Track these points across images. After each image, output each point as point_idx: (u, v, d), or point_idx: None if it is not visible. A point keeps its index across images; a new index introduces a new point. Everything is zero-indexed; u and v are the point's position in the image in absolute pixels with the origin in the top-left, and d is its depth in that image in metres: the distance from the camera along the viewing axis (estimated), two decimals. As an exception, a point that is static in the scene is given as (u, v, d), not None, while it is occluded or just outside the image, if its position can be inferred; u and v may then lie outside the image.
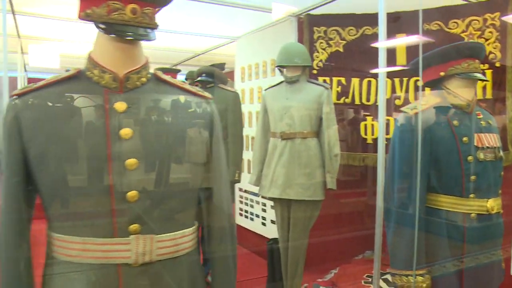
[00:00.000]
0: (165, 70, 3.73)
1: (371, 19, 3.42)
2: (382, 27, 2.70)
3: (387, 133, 3.23)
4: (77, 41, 4.98)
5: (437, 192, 1.77)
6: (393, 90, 3.40)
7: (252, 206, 4.28)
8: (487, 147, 1.76)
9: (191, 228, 1.09)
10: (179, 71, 4.65)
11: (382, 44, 2.74)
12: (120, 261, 0.97)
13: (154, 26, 1.04)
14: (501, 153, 1.82)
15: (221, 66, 4.10)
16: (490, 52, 2.95)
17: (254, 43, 4.18)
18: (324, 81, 3.44)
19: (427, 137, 1.76)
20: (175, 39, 4.68)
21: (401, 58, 3.35)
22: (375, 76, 3.45)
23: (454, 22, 3.15)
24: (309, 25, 3.57)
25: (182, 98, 1.14)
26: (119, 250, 0.97)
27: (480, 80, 1.82)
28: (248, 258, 4.13)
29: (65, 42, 4.97)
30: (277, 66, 2.89)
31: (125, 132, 0.99)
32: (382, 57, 2.74)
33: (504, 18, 2.93)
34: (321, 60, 3.55)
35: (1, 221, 1.02)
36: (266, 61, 3.91)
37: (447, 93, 1.84)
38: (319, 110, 2.79)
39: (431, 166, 1.76)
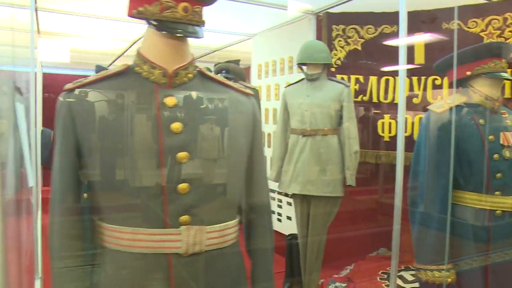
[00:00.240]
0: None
1: (390, 17, 3.45)
2: (402, 25, 2.71)
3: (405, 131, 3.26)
4: (90, 37, 5.04)
5: (463, 189, 1.80)
6: (411, 89, 3.42)
7: (267, 202, 4.32)
8: None
9: (234, 220, 1.13)
10: (238, 61, 4.64)
11: (402, 41, 2.75)
12: (170, 251, 1.01)
13: (202, 24, 1.08)
14: (526, 151, 1.85)
15: (236, 63, 4.12)
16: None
17: (271, 41, 4.21)
18: (342, 78, 3.47)
19: (455, 135, 1.78)
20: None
21: (420, 56, 3.36)
22: (393, 74, 3.47)
23: (474, 21, 3.16)
24: (327, 23, 3.59)
25: (227, 93, 1.18)
26: (171, 240, 1.01)
27: (507, 79, 1.84)
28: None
29: (77, 37, 5.03)
30: (298, 64, 2.93)
31: (176, 126, 1.03)
32: (402, 55, 2.76)
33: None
34: (339, 58, 3.57)
35: (53, 213, 1.06)
36: (283, 59, 3.94)
37: (473, 92, 1.86)
38: (339, 107, 2.82)
39: (457, 164, 1.79)
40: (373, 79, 3.52)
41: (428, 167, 1.83)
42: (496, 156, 1.75)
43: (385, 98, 3.50)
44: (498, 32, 3.07)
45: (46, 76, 5.44)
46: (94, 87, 1.07)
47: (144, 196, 1.01)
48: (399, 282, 3.36)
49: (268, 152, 3.68)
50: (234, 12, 3.90)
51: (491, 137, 1.77)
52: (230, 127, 1.12)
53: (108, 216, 1.04)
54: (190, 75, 1.11)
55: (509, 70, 2.93)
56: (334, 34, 3.58)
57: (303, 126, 2.82)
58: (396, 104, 3.43)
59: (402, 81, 2.77)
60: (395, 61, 3.46)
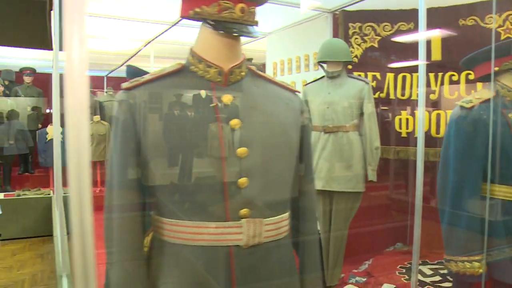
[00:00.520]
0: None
1: (406, 14, 3.49)
2: (422, 20, 2.73)
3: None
4: (102, 37, 5.10)
5: (492, 182, 1.84)
6: (428, 85, 3.45)
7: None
8: None
9: (287, 213, 1.17)
10: (250, 60, 4.69)
11: (421, 37, 2.76)
12: (232, 243, 1.05)
13: (256, 24, 1.12)
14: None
15: (249, 61, 4.18)
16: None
17: (286, 39, 4.26)
18: (359, 76, 3.51)
19: (483, 130, 1.82)
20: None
21: (437, 53, 3.40)
22: (410, 71, 3.51)
23: (491, 17, 3.19)
24: (344, 21, 3.64)
25: (277, 91, 1.22)
26: (232, 233, 1.05)
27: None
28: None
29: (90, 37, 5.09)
30: (318, 62, 2.97)
31: (235, 122, 1.07)
32: (422, 52, 2.77)
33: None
34: (356, 56, 3.61)
35: (111, 209, 1.08)
36: (299, 57, 3.99)
37: (500, 87, 1.90)
38: (360, 104, 2.87)
39: (486, 157, 1.83)
40: (390, 76, 3.56)
41: (458, 161, 1.87)
42: (525, 149, 1.79)
43: (402, 94, 3.54)
44: (515, 27, 3.10)
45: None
46: (152, 86, 1.11)
47: (206, 191, 1.05)
48: (418, 276, 3.39)
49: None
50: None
51: (520, 130, 1.81)
52: (283, 123, 1.16)
53: (169, 211, 1.07)
54: (242, 73, 1.15)
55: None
56: (350, 32, 3.62)
57: (324, 123, 2.86)
58: (414, 100, 3.49)
59: (421, 78, 2.79)
60: (412, 58, 3.51)
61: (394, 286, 3.14)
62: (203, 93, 1.10)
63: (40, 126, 6.87)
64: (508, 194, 1.81)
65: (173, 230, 1.07)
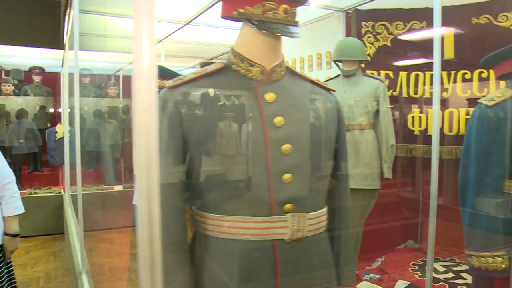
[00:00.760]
0: (207, 64, 3.87)
1: (419, 13, 3.52)
2: (437, 19, 2.73)
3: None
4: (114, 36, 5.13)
5: (514, 178, 1.87)
6: (440, 83, 3.48)
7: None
8: None
9: (325, 208, 1.21)
10: None
11: (436, 34, 2.76)
12: (277, 237, 1.08)
13: (297, 24, 1.15)
14: None
15: None
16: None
17: (299, 38, 4.27)
18: (372, 74, 3.53)
19: (504, 127, 1.85)
20: (214, 33, 4.78)
21: (449, 51, 3.42)
22: (423, 69, 3.54)
23: (504, 15, 3.22)
24: (357, 20, 3.66)
25: (315, 89, 1.25)
26: (277, 227, 1.08)
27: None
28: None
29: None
30: (334, 60, 3.00)
31: (278, 120, 1.10)
32: (436, 50, 2.78)
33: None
34: (368, 54, 3.63)
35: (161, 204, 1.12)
36: (311, 55, 4.01)
37: (521, 85, 1.93)
38: (375, 102, 2.89)
39: (508, 155, 1.86)
40: (402, 74, 3.59)
41: (479, 158, 1.90)
42: (547, 146, 1.82)
43: (415, 92, 3.57)
44: (528, 26, 3.12)
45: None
46: (196, 84, 1.14)
47: (252, 187, 1.08)
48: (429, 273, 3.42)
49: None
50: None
51: (542, 128, 1.84)
52: (322, 120, 1.20)
53: (214, 206, 1.10)
54: (282, 72, 1.18)
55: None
56: (363, 30, 3.65)
57: (341, 121, 2.89)
58: (426, 98, 3.51)
59: (436, 76, 2.80)
60: (424, 56, 3.54)
61: (409, 282, 3.17)
62: (247, 91, 1.13)
63: (49, 125, 6.91)
64: (530, 190, 1.84)
65: (218, 225, 1.10)
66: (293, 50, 4.38)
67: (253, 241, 1.08)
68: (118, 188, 5.84)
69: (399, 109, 3.74)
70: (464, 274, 3.28)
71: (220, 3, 1.20)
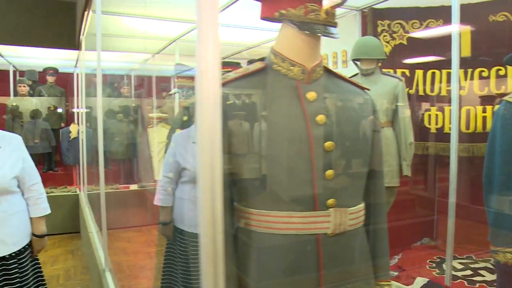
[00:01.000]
0: (225, 64, 3.90)
1: (435, 11, 3.53)
2: (455, 15, 2.75)
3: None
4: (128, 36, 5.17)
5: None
6: (457, 81, 3.49)
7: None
8: None
9: (363, 204, 1.24)
10: (238, 63, 4.78)
11: (455, 32, 2.77)
12: (320, 231, 1.12)
13: (336, 25, 1.18)
14: None
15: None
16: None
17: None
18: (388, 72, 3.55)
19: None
20: (228, 33, 4.80)
21: (466, 49, 3.43)
22: (439, 67, 3.55)
23: (522, 13, 3.22)
24: (372, 18, 3.68)
25: (351, 88, 1.28)
26: (321, 221, 1.12)
27: None
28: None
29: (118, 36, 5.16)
30: (353, 59, 3.02)
31: (320, 118, 1.13)
32: (455, 48, 2.80)
33: None
34: (384, 53, 3.65)
35: None
36: (327, 54, 4.03)
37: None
38: (394, 101, 2.92)
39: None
40: (419, 72, 3.60)
41: (504, 155, 1.92)
42: None
43: (432, 90, 3.58)
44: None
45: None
46: (239, 83, 1.18)
47: (297, 183, 1.12)
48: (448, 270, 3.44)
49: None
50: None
51: None
52: (360, 118, 1.23)
53: (259, 202, 1.13)
54: (321, 72, 1.21)
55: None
56: (379, 29, 3.67)
57: (360, 119, 2.92)
58: (443, 96, 3.53)
59: (455, 73, 2.83)
60: (441, 55, 3.55)
61: (428, 279, 3.19)
62: (289, 90, 1.16)
63: (63, 125, 6.98)
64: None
65: (262, 220, 1.13)
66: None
67: (297, 235, 1.12)
68: (133, 187, 5.90)
69: (416, 107, 3.75)
70: (482, 272, 3.30)
71: (259, 4, 1.24)
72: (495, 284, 2.82)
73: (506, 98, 1.95)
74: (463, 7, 3.36)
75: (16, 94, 6.57)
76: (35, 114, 6.37)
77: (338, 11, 3.79)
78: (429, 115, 3.61)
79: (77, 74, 6.54)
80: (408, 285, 3.17)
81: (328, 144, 1.12)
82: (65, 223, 5.50)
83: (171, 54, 5.29)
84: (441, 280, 3.21)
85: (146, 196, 5.85)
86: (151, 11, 4.11)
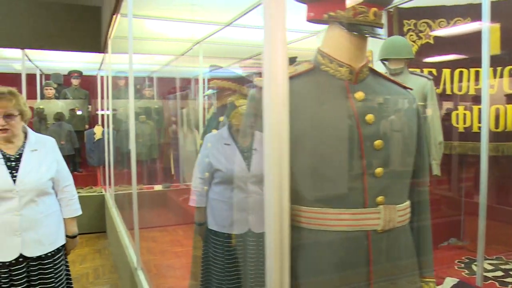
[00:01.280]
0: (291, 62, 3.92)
1: (462, 10, 3.50)
2: (485, 13, 2.71)
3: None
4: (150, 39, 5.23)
5: None
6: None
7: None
8: None
9: (409, 201, 1.26)
10: (295, 59, 4.72)
11: (485, 29, 2.73)
12: (370, 228, 1.14)
13: (382, 26, 1.20)
14: None
15: (293, 59, 4.22)
16: None
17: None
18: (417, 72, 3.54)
19: None
20: (250, 33, 4.83)
21: (495, 46, 3.40)
22: (467, 66, 3.52)
23: (552, 10, 3.18)
24: (398, 18, 3.67)
25: (395, 88, 1.30)
26: (371, 218, 1.14)
27: None
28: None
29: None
30: (381, 59, 3.02)
31: (370, 117, 1.15)
32: (486, 46, 2.76)
33: None
34: (412, 53, 3.63)
35: None
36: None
37: None
38: (423, 100, 2.91)
39: None
40: (446, 71, 3.58)
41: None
42: None
43: (459, 89, 3.55)
44: None
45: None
46: (290, 84, 1.20)
47: (348, 181, 1.14)
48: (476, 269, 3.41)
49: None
50: (297, 9, 4.01)
51: None
52: (405, 118, 1.25)
53: (310, 200, 1.16)
54: (367, 72, 1.23)
55: None
56: (405, 28, 3.65)
57: (389, 119, 2.91)
58: (471, 95, 3.50)
59: (485, 72, 2.80)
60: (468, 53, 3.52)
61: (458, 279, 3.17)
62: (338, 90, 1.18)
63: (87, 126, 7.11)
64: None
65: (313, 218, 1.15)
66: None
67: (347, 231, 1.14)
68: (157, 187, 5.98)
69: (443, 107, 3.73)
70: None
71: (305, 6, 1.26)
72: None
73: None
74: (492, 5, 3.34)
75: (42, 97, 6.72)
76: (60, 116, 6.49)
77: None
78: (457, 114, 3.58)
79: (101, 77, 6.66)
80: (437, 285, 3.15)
81: (377, 142, 1.15)
82: (91, 223, 5.61)
83: (195, 56, 5.35)
84: (471, 281, 3.19)
85: (170, 197, 5.93)
86: (176, 14, 4.16)
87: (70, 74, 7.18)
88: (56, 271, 2.29)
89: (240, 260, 2.34)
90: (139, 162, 6.60)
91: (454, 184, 4.12)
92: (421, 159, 1.32)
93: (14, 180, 2.12)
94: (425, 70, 3.61)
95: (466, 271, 3.42)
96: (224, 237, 2.43)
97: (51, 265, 2.26)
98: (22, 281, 2.15)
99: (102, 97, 6.46)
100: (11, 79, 6.21)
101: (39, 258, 2.21)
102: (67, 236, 2.41)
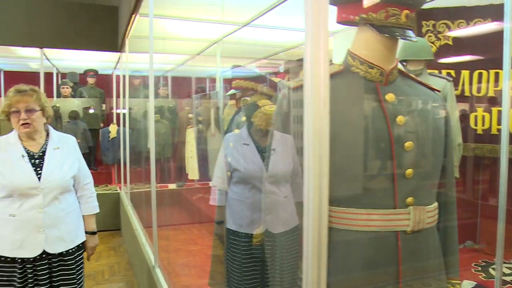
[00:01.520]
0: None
1: (483, 10, 3.47)
2: (508, 12, 2.68)
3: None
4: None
5: None
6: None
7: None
8: None
9: (436, 203, 1.26)
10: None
11: (507, 28, 2.70)
12: (399, 229, 1.15)
13: (414, 28, 1.20)
14: None
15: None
16: None
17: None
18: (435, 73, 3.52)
19: None
20: (267, 33, 4.84)
21: (515, 49, 3.36)
22: (487, 67, 3.49)
23: None
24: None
25: (423, 89, 1.31)
26: (400, 219, 1.14)
27: None
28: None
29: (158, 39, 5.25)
30: (400, 60, 3.01)
31: (400, 119, 1.16)
32: (507, 46, 2.72)
33: None
34: (432, 54, 3.61)
35: None
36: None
37: None
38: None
39: None
40: (465, 73, 3.55)
41: None
42: None
43: (478, 91, 3.53)
44: None
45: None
46: None
47: (379, 181, 1.15)
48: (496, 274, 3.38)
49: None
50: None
51: None
52: (434, 119, 1.25)
53: (340, 200, 1.17)
54: (396, 74, 1.24)
55: None
56: (424, 30, 3.64)
57: (408, 120, 2.91)
58: (490, 97, 3.47)
59: (506, 73, 2.75)
60: (488, 54, 3.49)
61: (475, 283, 3.15)
62: (368, 92, 1.19)
63: (102, 125, 7.17)
64: None
65: (343, 218, 1.16)
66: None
67: (377, 232, 1.15)
68: (171, 186, 6.02)
69: (461, 108, 3.70)
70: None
71: (335, 8, 1.27)
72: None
73: None
74: (512, 6, 3.31)
75: (59, 95, 6.79)
76: (76, 114, 6.56)
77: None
78: (475, 116, 3.55)
79: (117, 76, 6.71)
80: (455, 288, 3.13)
81: (408, 144, 1.15)
82: (106, 221, 5.65)
83: (210, 55, 5.38)
84: (488, 284, 3.17)
85: (184, 196, 5.96)
86: (193, 13, 4.18)
87: (86, 73, 7.25)
88: (77, 267, 2.32)
89: (259, 259, 2.35)
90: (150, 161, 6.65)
91: (471, 187, 4.09)
92: (448, 161, 1.32)
93: (39, 178, 2.15)
94: (443, 72, 3.59)
95: (484, 275, 3.39)
96: (242, 236, 2.44)
97: (72, 261, 2.29)
98: (45, 276, 2.19)
99: (118, 96, 6.51)
100: (29, 77, 6.29)
101: (60, 254, 2.24)
102: (86, 232, 2.44)
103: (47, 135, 2.31)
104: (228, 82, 6.89)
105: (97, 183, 6.43)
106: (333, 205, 1.18)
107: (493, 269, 3.44)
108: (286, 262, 2.26)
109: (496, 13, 3.28)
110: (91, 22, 5.54)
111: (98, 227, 2.57)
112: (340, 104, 1.19)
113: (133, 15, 3.76)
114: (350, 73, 1.23)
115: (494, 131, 3.47)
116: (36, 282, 2.17)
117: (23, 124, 2.15)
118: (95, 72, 7.28)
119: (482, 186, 4.05)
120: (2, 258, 2.12)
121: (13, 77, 7.40)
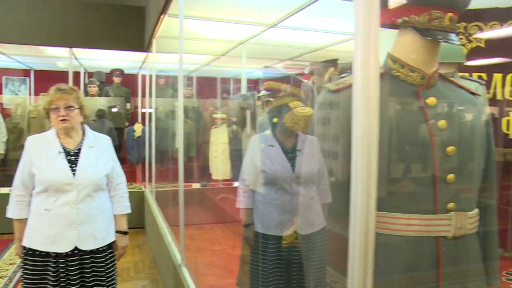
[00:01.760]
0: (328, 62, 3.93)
1: (517, 12, 3.39)
2: None
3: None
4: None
5: None
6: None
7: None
8: None
9: (477, 209, 1.24)
10: (336, 61, 4.69)
11: None
12: (440, 234, 1.13)
13: (456, 31, 1.19)
14: None
15: (334, 62, 4.19)
16: None
17: (381, 40, 4.23)
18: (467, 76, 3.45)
19: None
20: (291, 35, 4.83)
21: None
22: (520, 70, 3.41)
23: None
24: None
25: (464, 93, 1.29)
26: (441, 224, 1.13)
27: None
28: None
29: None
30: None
31: (442, 123, 1.15)
32: None
33: None
34: (464, 57, 3.55)
35: None
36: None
37: None
38: (475, 105, 2.84)
39: None
40: (497, 76, 3.48)
41: None
42: None
43: (511, 95, 3.45)
44: None
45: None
46: None
47: (420, 185, 1.13)
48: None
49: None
50: (338, 11, 3.98)
51: None
52: (475, 123, 1.23)
53: (379, 204, 1.15)
54: (437, 77, 1.22)
55: None
56: (455, 31, 3.57)
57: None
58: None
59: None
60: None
61: (506, 291, 3.08)
62: (410, 96, 1.18)
63: (127, 124, 7.27)
64: None
65: (381, 222, 1.15)
66: (381, 52, 4.34)
67: (418, 237, 1.13)
68: (195, 186, 6.06)
69: (493, 112, 3.62)
70: None
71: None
72: None
73: None
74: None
75: (86, 94, 6.91)
76: (102, 113, 6.67)
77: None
78: (508, 120, 3.47)
79: (142, 75, 6.79)
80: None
81: (450, 149, 1.14)
82: (131, 219, 5.64)
83: (235, 56, 5.39)
84: (519, 293, 3.09)
85: (207, 195, 5.99)
86: (220, 14, 4.20)
87: (112, 72, 7.37)
88: (108, 266, 2.36)
89: (284, 261, 2.34)
90: (177, 160, 6.71)
91: (502, 193, 3.99)
92: (489, 166, 1.30)
93: (74, 174, 2.20)
94: (475, 75, 3.52)
95: (513, 283, 3.31)
96: (270, 238, 2.43)
97: (103, 259, 2.33)
98: (76, 272, 2.23)
99: (144, 95, 6.59)
100: (58, 76, 6.43)
101: (91, 252, 2.28)
102: (118, 231, 2.48)
103: (83, 133, 2.36)
104: (252, 83, 6.90)
105: (121, 181, 6.54)
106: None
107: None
108: (314, 263, 2.25)
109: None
110: (118, 22, 5.62)
111: (124, 225, 2.60)
112: (380, 108, 1.18)
113: (162, 16, 3.80)
114: (391, 76, 1.21)
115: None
116: (68, 278, 2.21)
117: (61, 120, 2.20)
118: (121, 72, 7.38)
119: (512, 192, 3.95)
120: (37, 252, 2.18)
121: (42, 76, 7.57)
